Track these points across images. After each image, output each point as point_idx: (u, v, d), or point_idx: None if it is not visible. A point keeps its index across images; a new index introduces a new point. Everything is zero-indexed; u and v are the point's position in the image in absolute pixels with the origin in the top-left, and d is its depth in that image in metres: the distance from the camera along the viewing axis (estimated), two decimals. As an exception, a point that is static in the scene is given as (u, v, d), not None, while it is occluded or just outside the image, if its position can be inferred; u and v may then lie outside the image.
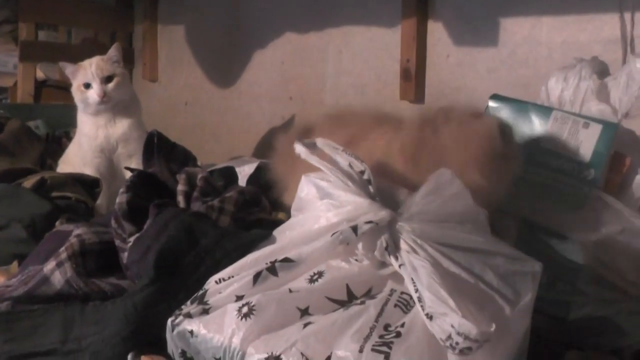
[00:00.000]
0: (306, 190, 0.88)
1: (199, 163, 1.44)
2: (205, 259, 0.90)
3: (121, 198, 1.05)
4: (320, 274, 0.79)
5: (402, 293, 0.77)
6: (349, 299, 0.78)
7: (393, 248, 0.78)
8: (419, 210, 0.82)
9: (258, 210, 1.13)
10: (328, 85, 2.00)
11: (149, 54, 2.64)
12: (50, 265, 0.99)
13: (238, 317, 0.76)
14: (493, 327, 0.69)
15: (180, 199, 1.11)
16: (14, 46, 2.53)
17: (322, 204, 0.85)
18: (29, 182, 1.41)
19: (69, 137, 1.95)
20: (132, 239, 1.00)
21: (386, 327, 0.73)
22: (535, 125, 1.06)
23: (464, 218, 0.84)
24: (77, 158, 1.68)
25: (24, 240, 1.25)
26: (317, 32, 2.03)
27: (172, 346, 0.81)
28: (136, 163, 1.57)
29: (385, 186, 0.87)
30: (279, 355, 0.72)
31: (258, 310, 0.76)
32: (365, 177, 0.85)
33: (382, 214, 0.80)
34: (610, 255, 0.98)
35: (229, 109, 2.34)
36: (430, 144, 0.95)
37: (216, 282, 0.83)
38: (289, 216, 0.94)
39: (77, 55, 1.73)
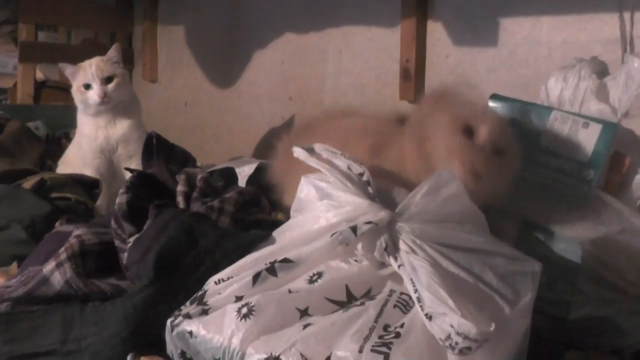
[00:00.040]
0: (306, 191, 0.88)
1: (198, 164, 1.45)
2: (204, 260, 0.90)
3: (121, 199, 1.05)
4: (319, 275, 0.79)
5: (401, 293, 0.77)
6: (349, 299, 0.78)
7: (392, 248, 0.78)
8: (418, 211, 0.82)
9: (258, 211, 1.13)
10: (328, 85, 2.00)
11: (148, 54, 2.64)
12: (49, 266, 0.99)
13: (237, 317, 0.76)
14: (492, 327, 0.69)
15: (180, 200, 1.12)
16: (14, 47, 2.53)
17: (321, 204, 0.85)
18: (28, 183, 1.41)
19: (68, 138, 1.95)
20: (131, 240, 1.00)
21: (385, 327, 0.73)
22: (535, 125, 1.06)
23: (463, 218, 0.84)
24: (77, 159, 1.68)
25: (24, 241, 1.25)
26: (316, 32, 2.03)
27: (172, 347, 0.81)
28: (136, 164, 1.57)
29: (384, 187, 0.87)
30: (279, 356, 0.72)
31: (257, 310, 0.76)
32: (364, 178, 0.85)
33: (382, 214, 0.80)
34: (610, 255, 0.97)
35: (229, 110, 2.34)
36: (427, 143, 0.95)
37: (215, 282, 0.83)
38: (287, 217, 0.94)
39: (77, 56, 1.73)
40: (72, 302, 0.95)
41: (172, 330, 0.80)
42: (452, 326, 0.68)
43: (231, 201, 1.07)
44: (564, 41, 1.50)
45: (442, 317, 0.69)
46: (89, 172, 1.62)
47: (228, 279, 0.82)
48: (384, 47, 1.84)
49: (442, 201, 0.83)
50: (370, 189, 0.85)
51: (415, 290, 0.73)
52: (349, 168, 0.86)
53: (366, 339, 0.71)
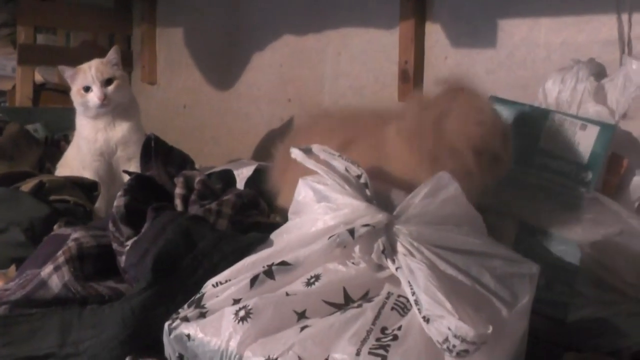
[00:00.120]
0: (303, 193, 0.88)
1: (197, 166, 1.45)
2: (203, 262, 0.90)
3: (119, 201, 1.05)
4: (317, 277, 0.79)
5: (399, 296, 0.77)
6: (346, 302, 0.78)
7: (390, 251, 0.78)
8: (415, 213, 0.82)
9: (256, 213, 1.13)
10: (326, 87, 2.01)
11: (147, 56, 2.64)
12: (47, 269, 0.99)
13: (235, 320, 0.76)
14: (490, 330, 0.69)
15: (178, 202, 1.11)
16: (13, 49, 2.53)
17: (319, 207, 0.85)
18: (27, 186, 1.41)
19: (67, 141, 1.95)
20: (129, 243, 1.00)
21: (383, 330, 0.73)
22: (533, 127, 1.06)
23: (461, 220, 0.84)
24: (76, 161, 1.68)
25: (23, 243, 1.25)
26: (315, 34, 2.03)
27: (170, 350, 0.81)
28: (135, 166, 1.57)
29: (382, 189, 0.87)
30: (276, 359, 0.72)
31: (255, 313, 0.76)
32: (362, 180, 0.85)
33: (379, 216, 0.80)
34: (608, 257, 0.97)
35: (228, 112, 2.34)
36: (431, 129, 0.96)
37: (213, 285, 0.82)
38: (283, 219, 0.94)
39: (76, 59, 1.73)
40: (70, 305, 0.95)
41: (169, 333, 0.80)
42: (449, 329, 0.68)
43: (229, 204, 1.07)
44: (562, 42, 1.50)
45: (439, 319, 0.69)
46: (87, 174, 1.62)
47: (226, 281, 0.82)
48: (383, 49, 1.84)
49: (440, 203, 0.83)
50: (368, 191, 0.85)
51: (413, 293, 0.73)
52: (346, 170, 0.86)
53: (364, 341, 0.71)
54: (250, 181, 1.45)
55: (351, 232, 0.78)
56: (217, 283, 0.83)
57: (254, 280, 0.80)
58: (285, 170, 1.16)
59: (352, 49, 1.94)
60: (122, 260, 0.99)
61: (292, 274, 0.80)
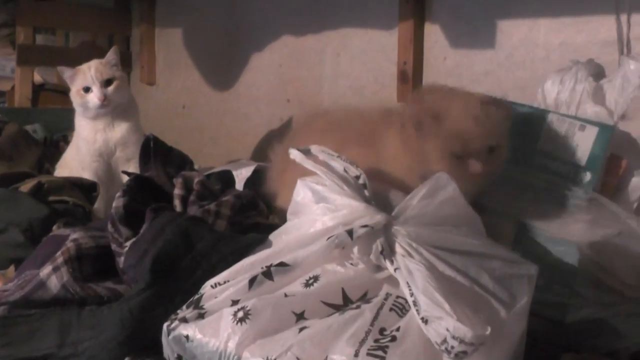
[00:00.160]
0: (302, 194, 0.88)
1: (196, 167, 1.44)
2: (201, 263, 0.90)
3: (118, 202, 1.05)
4: (315, 278, 0.79)
5: (397, 297, 0.77)
6: (345, 303, 0.78)
7: (388, 252, 0.78)
8: (414, 214, 0.82)
9: (255, 214, 1.13)
10: (325, 87, 2.00)
11: (146, 57, 2.64)
12: (46, 269, 0.99)
13: (234, 321, 0.76)
14: (488, 331, 0.69)
15: (177, 203, 1.11)
16: (12, 50, 2.53)
17: (317, 207, 0.85)
18: (26, 187, 1.41)
19: (66, 141, 1.95)
20: (128, 243, 1.00)
21: (382, 331, 0.73)
22: (532, 128, 1.06)
23: (459, 221, 0.84)
24: (75, 162, 1.68)
25: (22, 244, 1.25)
26: (314, 35, 2.03)
27: (168, 351, 0.81)
28: (134, 167, 1.56)
29: (380, 190, 0.87)
30: (275, 360, 0.72)
31: (254, 314, 0.76)
32: (361, 181, 0.85)
33: (378, 217, 0.80)
34: (607, 258, 0.98)
35: (227, 112, 2.34)
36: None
37: (212, 286, 0.83)
38: (282, 220, 0.94)
39: (75, 59, 1.73)
40: (69, 306, 0.95)
41: (168, 334, 0.80)
42: (447, 330, 0.68)
43: (228, 204, 1.07)
44: (561, 43, 1.50)
45: (438, 320, 0.69)
46: (87, 175, 1.62)
47: (224, 282, 0.82)
48: (382, 50, 1.84)
49: (439, 204, 0.83)
50: (366, 192, 0.85)
51: (411, 294, 0.73)
52: (345, 170, 0.86)
53: (362, 342, 0.71)
54: (250, 182, 1.45)
55: (350, 233, 0.78)
56: (215, 284, 0.83)
57: (252, 281, 0.80)
58: (284, 171, 1.16)
59: (351, 50, 1.94)
60: (120, 261, 0.99)
61: (291, 274, 0.80)
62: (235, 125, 2.31)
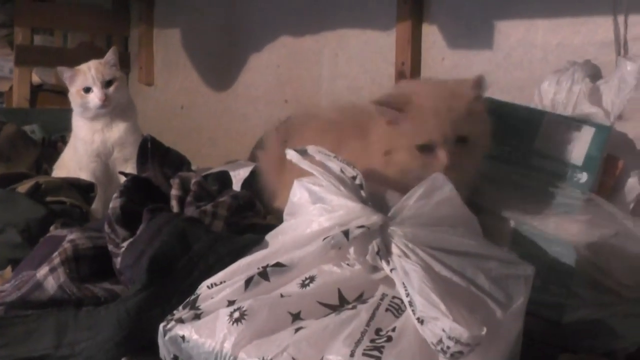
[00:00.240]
0: (298, 194, 0.88)
1: (194, 167, 1.44)
2: (198, 264, 0.90)
3: (115, 203, 1.05)
4: (312, 279, 0.79)
5: (393, 297, 0.77)
6: (341, 303, 0.78)
7: (384, 252, 0.78)
8: (410, 215, 0.82)
9: (252, 215, 1.13)
10: (323, 88, 2.01)
11: (144, 57, 2.64)
12: (43, 270, 0.99)
13: (230, 322, 0.76)
14: (484, 331, 0.69)
15: (174, 204, 1.11)
16: (10, 50, 2.53)
17: (314, 208, 0.85)
18: (24, 187, 1.41)
19: (64, 142, 1.95)
20: (125, 244, 1.00)
21: (377, 331, 0.73)
22: (529, 129, 1.06)
23: (456, 221, 0.84)
24: (73, 162, 1.68)
25: (19, 245, 1.25)
26: (312, 35, 2.03)
27: (164, 351, 0.81)
28: (132, 167, 1.57)
29: (377, 190, 0.87)
30: (271, 360, 0.72)
31: (250, 315, 0.76)
32: (357, 182, 0.85)
33: (374, 218, 0.80)
34: (603, 258, 0.97)
35: (225, 112, 2.34)
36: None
37: (208, 287, 0.82)
38: (279, 221, 0.94)
39: (73, 60, 1.73)
40: (65, 307, 0.95)
41: (164, 335, 0.80)
42: (443, 330, 0.68)
43: (225, 205, 1.07)
44: (558, 44, 1.50)
45: (433, 321, 0.69)
46: (84, 175, 1.61)
47: (221, 283, 0.82)
48: (380, 50, 1.84)
49: (435, 205, 0.83)
50: (363, 193, 0.85)
51: (407, 294, 0.73)
52: (341, 171, 0.86)
53: (358, 342, 0.71)
54: (247, 182, 1.45)
55: (346, 233, 0.78)
56: (212, 284, 0.83)
57: (248, 282, 0.80)
58: (282, 172, 1.16)
59: (349, 50, 1.94)
60: (117, 261, 0.99)
61: (287, 275, 0.80)
62: (233, 125, 2.31)
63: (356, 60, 1.92)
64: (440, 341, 0.68)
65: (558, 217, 1.00)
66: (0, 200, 1.34)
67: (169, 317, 0.81)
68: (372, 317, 0.75)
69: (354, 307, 0.76)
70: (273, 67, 2.15)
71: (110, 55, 1.65)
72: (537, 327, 0.94)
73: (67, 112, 1.73)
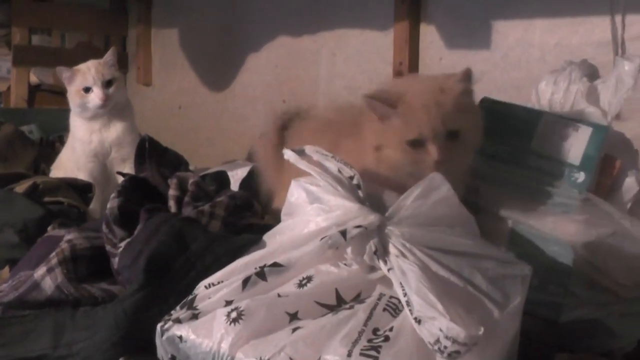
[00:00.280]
0: (296, 194, 0.88)
1: (192, 167, 1.44)
2: (195, 264, 0.90)
3: (112, 203, 1.05)
4: (309, 279, 0.79)
5: (390, 297, 0.77)
6: (338, 303, 0.78)
7: (382, 252, 0.78)
8: (408, 215, 0.82)
9: (250, 215, 1.13)
10: (321, 88, 2.01)
11: (142, 58, 2.64)
12: (40, 270, 0.99)
13: (227, 322, 0.76)
14: (481, 331, 0.69)
15: (172, 204, 1.11)
16: (8, 50, 2.53)
17: (311, 208, 0.85)
18: (21, 187, 1.40)
19: (62, 142, 1.95)
20: (123, 244, 1.00)
21: (375, 331, 0.73)
22: (526, 128, 1.06)
23: (453, 221, 0.84)
24: (70, 162, 1.68)
25: (16, 245, 1.24)
26: (310, 36, 2.03)
27: (162, 351, 0.81)
28: (129, 167, 1.57)
29: (374, 191, 0.87)
30: (268, 360, 0.72)
31: (247, 315, 0.76)
32: (355, 182, 0.85)
33: (371, 218, 0.80)
34: (601, 258, 0.98)
35: (223, 112, 2.34)
36: None
37: (205, 287, 0.82)
38: (277, 221, 0.94)
39: (71, 60, 1.73)
40: (63, 307, 0.95)
41: (162, 335, 0.80)
42: (441, 330, 0.68)
43: (222, 205, 1.07)
44: (556, 44, 1.50)
45: (431, 321, 0.69)
46: (82, 175, 1.61)
47: (218, 283, 0.82)
48: (377, 50, 1.84)
49: (432, 205, 0.83)
50: (360, 193, 0.85)
51: (405, 294, 0.73)
52: (339, 171, 0.86)
53: (355, 342, 0.71)
54: (245, 182, 1.45)
55: (343, 233, 0.78)
56: (209, 284, 0.83)
57: (246, 282, 0.80)
58: (281, 172, 1.16)
59: (347, 50, 1.94)
60: (115, 261, 0.99)
61: (284, 275, 0.80)
62: (231, 125, 2.31)
63: (354, 60, 1.92)
64: (437, 341, 0.69)
65: (555, 217, 1.00)
66: (-2, 200, 1.34)
67: (167, 317, 0.81)
68: (369, 317, 0.75)
69: (351, 307, 0.76)
70: (271, 67, 2.15)
71: (110, 56, 1.65)
72: (535, 327, 0.94)
73: (64, 112, 1.73)
